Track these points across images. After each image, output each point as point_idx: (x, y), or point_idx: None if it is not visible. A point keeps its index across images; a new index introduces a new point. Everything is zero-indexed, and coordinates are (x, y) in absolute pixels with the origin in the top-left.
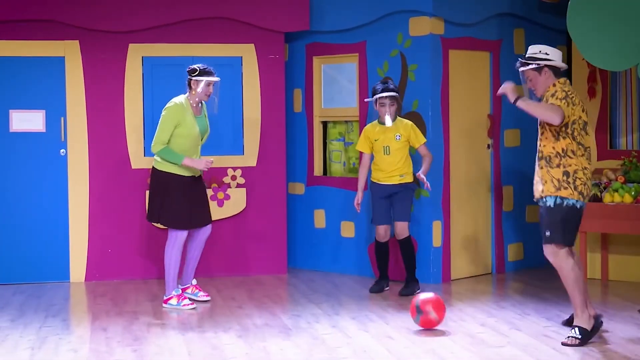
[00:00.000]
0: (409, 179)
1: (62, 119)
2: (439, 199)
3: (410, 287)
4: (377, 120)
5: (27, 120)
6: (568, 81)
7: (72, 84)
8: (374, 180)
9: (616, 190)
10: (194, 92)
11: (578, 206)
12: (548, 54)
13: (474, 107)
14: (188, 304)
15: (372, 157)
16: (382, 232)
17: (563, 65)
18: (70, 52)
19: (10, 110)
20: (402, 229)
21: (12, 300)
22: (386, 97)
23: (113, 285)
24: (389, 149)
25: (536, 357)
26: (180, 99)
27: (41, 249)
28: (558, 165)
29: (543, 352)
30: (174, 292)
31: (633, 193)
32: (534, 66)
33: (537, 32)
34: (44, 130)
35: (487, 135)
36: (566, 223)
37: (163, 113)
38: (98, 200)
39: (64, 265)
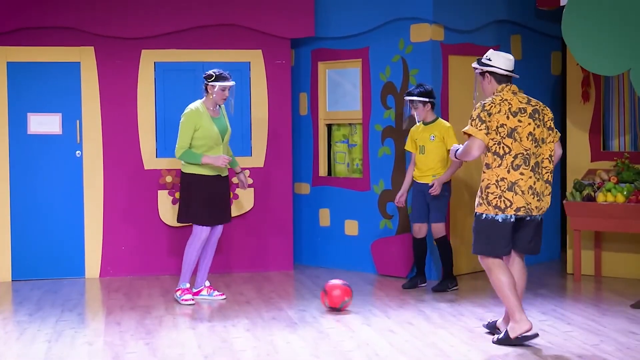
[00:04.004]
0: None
1: (78, 121)
2: None
3: (443, 284)
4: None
5: (44, 123)
6: (507, 87)
7: (88, 89)
8: (414, 179)
9: (609, 190)
10: (210, 96)
11: (500, 220)
12: (490, 60)
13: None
14: (188, 300)
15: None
16: (416, 229)
17: (503, 72)
18: (85, 57)
19: (28, 114)
20: (437, 229)
21: (30, 295)
22: (407, 100)
23: (126, 281)
24: (424, 148)
25: (533, 351)
26: (196, 104)
27: (58, 246)
28: (481, 180)
29: (540, 345)
30: (181, 285)
31: (625, 193)
32: (477, 71)
33: (534, 38)
34: (61, 133)
35: None
36: (484, 234)
37: (181, 120)
38: (112, 200)
39: (80, 261)
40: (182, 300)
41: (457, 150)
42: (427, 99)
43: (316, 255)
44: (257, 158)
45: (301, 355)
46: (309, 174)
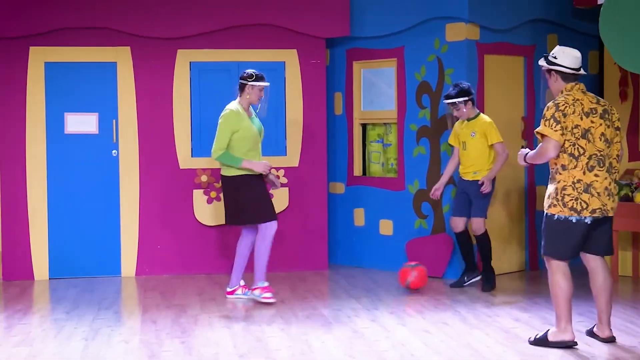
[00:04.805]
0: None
1: (114, 121)
2: None
3: (490, 281)
4: None
5: (81, 123)
6: (577, 86)
7: (124, 88)
8: (459, 174)
9: None
10: (247, 96)
11: (574, 220)
12: (556, 58)
13: (509, 110)
14: (269, 298)
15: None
16: (452, 223)
17: (569, 71)
18: (121, 57)
19: (66, 113)
20: (476, 225)
21: (67, 293)
22: (447, 104)
23: (162, 279)
24: (466, 145)
25: (570, 352)
26: (234, 105)
27: (94, 245)
28: (556, 182)
29: (576, 347)
30: (260, 284)
31: None
32: (544, 68)
33: (570, 37)
34: (97, 132)
35: (521, 137)
36: (556, 236)
37: (220, 120)
38: (148, 199)
39: (116, 260)
40: (263, 298)
41: (527, 153)
42: (467, 97)
43: (351, 255)
44: (292, 158)
45: (335, 354)
46: (344, 174)
